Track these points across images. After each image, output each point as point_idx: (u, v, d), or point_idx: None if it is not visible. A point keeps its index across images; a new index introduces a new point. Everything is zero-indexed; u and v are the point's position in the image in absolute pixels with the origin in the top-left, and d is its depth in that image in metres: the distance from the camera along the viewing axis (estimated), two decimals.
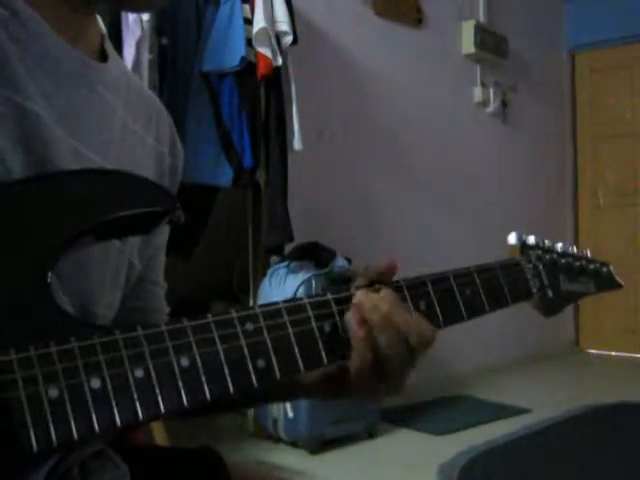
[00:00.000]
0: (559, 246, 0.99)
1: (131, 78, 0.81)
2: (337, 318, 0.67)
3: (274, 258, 3.08)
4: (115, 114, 0.74)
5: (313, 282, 2.84)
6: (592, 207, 5.44)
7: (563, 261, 0.97)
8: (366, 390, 0.71)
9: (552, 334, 5.23)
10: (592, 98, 5.44)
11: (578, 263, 1.00)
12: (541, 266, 0.93)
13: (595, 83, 5.43)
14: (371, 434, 3.07)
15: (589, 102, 5.46)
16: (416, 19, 4.16)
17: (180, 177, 0.88)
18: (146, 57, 2.57)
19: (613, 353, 5.19)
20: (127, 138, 0.75)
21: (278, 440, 2.96)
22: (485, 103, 4.68)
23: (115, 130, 0.73)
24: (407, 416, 3.37)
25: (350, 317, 0.68)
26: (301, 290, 2.80)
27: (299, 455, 2.84)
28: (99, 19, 0.76)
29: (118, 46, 2.50)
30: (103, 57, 0.75)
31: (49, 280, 0.57)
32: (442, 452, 2.65)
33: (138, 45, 2.55)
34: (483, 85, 4.65)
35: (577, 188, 5.54)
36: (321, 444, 2.88)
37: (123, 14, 2.56)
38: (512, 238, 0.94)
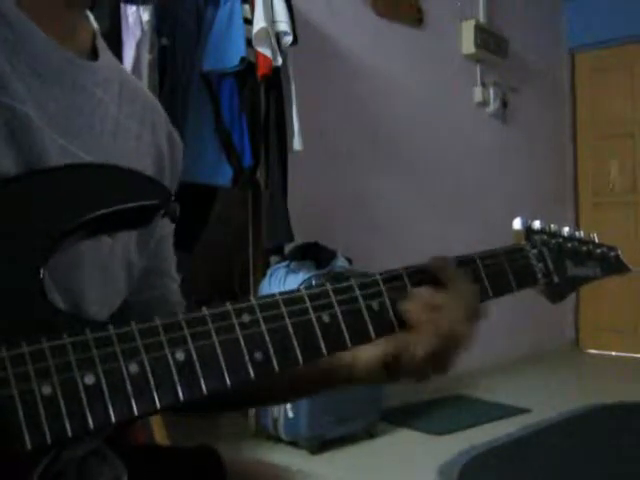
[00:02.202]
0: (565, 230, 0.96)
1: (124, 74, 0.80)
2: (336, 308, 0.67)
3: (274, 258, 3.08)
4: (107, 112, 0.73)
5: (313, 282, 2.84)
6: (592, 207, 5.43)
7: (569, 245, 0.95)
8: (420, 373, 0.75)
9: (552, 334, 5.23)
10: (592, 98, 5.43)
11: (585, 247, 0.97)
12: (546, 251, 0.90)
13: (595, 83, 5.43)
14: (371, 434, 3.07)
15: (589, 102, 5.45)
16: (416, 19, 4.15)
17: (181, 168, 0.87)
18: (146, 57, 2.57)
19: (613, 353, 5.19)
20: (120, 135, 0.74)
21: (278, 440, 2.96)
22: (485, 103, 4.67)
23: (107, 128, 0.73)
24: (407, 416, 3.37)
25: (406, 306, 0.71)
26: None
27: (299, 455, 2.84)
28: (90, 16, 0.76)
29: (118, 46, 2.49)
30: (94, 54, 0.75)
31: (42, 276, 0.57)
32: (442, 452, 2.65)
33: (138, 46, 2.55)
34: (483, 85, 4.65)
35: (577, 188, 5.54)
36: (321, 444, 2.88)
37: (123, 15, 2.56)
38: (517, 223, 0.91)
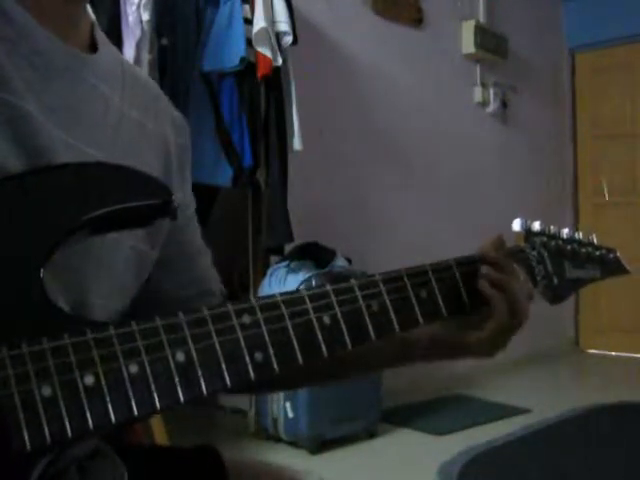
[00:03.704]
0: (565, 232, 0.97)
1: (126, 65, 0.80)
2: (336, 308, 0.68)
3: (274, 258, 3.08)
4: (109, 104, 0.73)
5: (313, 282, 2.84)
6: (592, 207, 5.43)
7: (568, 247, 0.95)
8: (492, 347, 0.81)
9: (552, 334, 5.22)
10: (592, 98, 5.43)
11: (584, 249, 0.98)
12: (546, 253, 0.91)
13: (595, 83, 5.43)
14: (371, 434, 3.07)
15: (589, 102, 5.45)
16: (416, 19, 4.15)
17: (190, 152, 0.87)
18: (146, 57, 2.57)
19: (613, 353, 5.19)
20: (124, 127, 0.74)
21: (278, 440, 2.95)
22: (485, 103, 4.67)
23: (110, 120, 0.73)
24: (407, 416, 3.37)
25: (483, 284, 0.78)
26: None
27: (299, 455, 2.84)
28: (88, 8, 0.75)
29: (118, 46, 2.50)
30: (94, 46, 0.75)
31: (42, 276, 0.57)
32: (442, 452, 2.64)
33: (138, 45, 2.55)
34: (483, 85, 4.65)
35: (577, 188, 5.53)
36: (321, 444, 2.88)
37: (123, 14, 2.56)
38: (516, 225, 0.92)
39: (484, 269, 0.79)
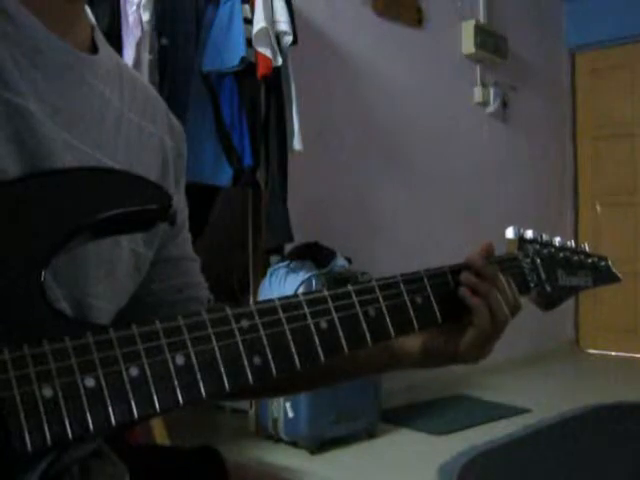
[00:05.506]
0: (557, 240, 0.98)
1: (124, 67, 0.80)
2: (334, 314, 0.68)
3: (274, 258, 3.08)
4: (109, 105, 0.73)
5: (313, 282, 2.84)
6: (592, 207, 5.44)
7: (561, 255, 0.96)
8: (476, 353, 0.80)
9: (552, 334, 5.23)
10: (592, 98, 5.43)
11: (576, 257, 0.99)
12: (539, 260, 0.92)
13: (595, 83, 5.43)
14: (371, 434, 3.07)
15: (589, 102, 5.45)
16: (416, 19, 4.15)
17: (185, 159, 0.87)
18: (146, 57, 2.57)
19: (613, 353, 5.19)
20: (123, 128, 0.75)
21: (278, 440, 2.96)
22: (485, 103, 4.67)
23: (110, 121, 0.73)
24: (407, 416, 3.37)
25: (464, 291, 0.78)
26: (301, 290, 2.79)
27: (299, 455, 2.84)
28: (88, 10, 0.76)
29: (118, 46, 2.50)
30: (94, 48, 0.75)
31: (43, 279, 0.57)
32: (442, 452, 2.64)
33: (138, 45, 2.55)
34: (483, 85, 4.65)
35: (577, 188, 5.54)
36: (321, 444, 2.88)
37: (123, 15, 2.56)
38: (509, 232, 0.93)
39: (464, 276, 0.79)
